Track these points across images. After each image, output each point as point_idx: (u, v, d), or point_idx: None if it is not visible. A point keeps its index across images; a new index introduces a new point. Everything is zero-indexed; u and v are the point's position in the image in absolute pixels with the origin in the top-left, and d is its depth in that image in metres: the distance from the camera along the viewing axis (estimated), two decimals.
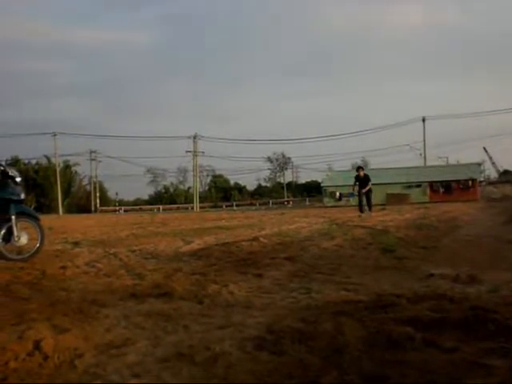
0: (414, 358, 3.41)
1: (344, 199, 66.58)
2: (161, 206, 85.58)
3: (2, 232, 8.89)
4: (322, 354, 3.50)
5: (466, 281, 6.32)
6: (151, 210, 76.39)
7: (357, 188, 25.73)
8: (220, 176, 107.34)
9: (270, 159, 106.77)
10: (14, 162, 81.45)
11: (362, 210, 23.98)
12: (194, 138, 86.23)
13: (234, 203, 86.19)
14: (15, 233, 8.88)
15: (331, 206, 57.94)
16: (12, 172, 9.23)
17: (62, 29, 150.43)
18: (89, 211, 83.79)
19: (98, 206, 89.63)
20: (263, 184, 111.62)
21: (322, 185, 74.14)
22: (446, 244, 10.91)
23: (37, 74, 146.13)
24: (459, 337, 3.81)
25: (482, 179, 77.75)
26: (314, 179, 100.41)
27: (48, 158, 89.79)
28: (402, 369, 3.24)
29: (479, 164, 75.97)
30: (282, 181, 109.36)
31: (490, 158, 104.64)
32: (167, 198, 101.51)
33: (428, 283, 6.32)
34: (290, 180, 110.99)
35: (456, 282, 6.28)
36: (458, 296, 5.13)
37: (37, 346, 3.68)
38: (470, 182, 65.70)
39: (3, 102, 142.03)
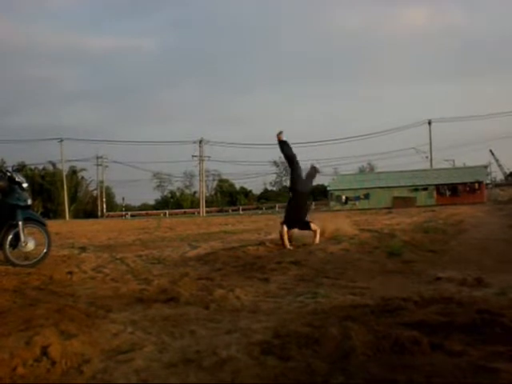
0: (421, 362, 3.40)
1: (350, 203, 66.53)
2: (167, 211, 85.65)
3: (9, 238, 8.92)
4: (328, 359, 3.50)
5: (473, 284, 6.31)
6: (158, 214, 76.42)
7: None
8: (226, 180, 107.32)
9: (276, 163, 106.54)
10: (21, 168, 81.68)
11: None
12: (200, 142, 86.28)
13: (240, 207, 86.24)
14: (22, 238, 8.91)
15: (337, 210, 57.77)
16: (19, 178, 9.26)
17: (70, 35, 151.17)
18: (95, 216, 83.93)
19: (104, 211, 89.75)
20: (269, 188, 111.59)
21: (327, 188, 74.04)
22: (452, 247, 10.88)
23: (44, 79, 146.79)
24: (466, 340, 3.80)
25: (488, 182, 77.61)
26: (319, 183, 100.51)
27: (53, 164, 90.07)
28: (409, 373, 3.23)
29: (486, 166, 75.85)
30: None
31: (497, 160, 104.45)
32: (173, 202, 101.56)
33: (435, 287, 6.31)
34: None
35: (463, 286, 6.26)
36: (466, 299, 5.11)
37: (44, 351, 3.70)
38: (477, 185, 65.56)
39: (11, 108, 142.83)
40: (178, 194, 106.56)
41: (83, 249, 12.66)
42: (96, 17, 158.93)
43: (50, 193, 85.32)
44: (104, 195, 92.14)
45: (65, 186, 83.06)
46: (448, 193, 65.96)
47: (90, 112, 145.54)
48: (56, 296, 6.40)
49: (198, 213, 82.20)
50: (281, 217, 12.30)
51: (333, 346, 3.70)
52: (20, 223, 8.92)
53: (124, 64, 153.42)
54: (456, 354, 3.53)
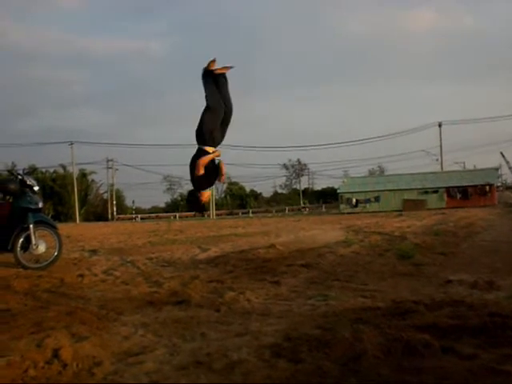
0: (432, 364, 3.40)
1: (360, 205, 66.37)
2: (177, 214, 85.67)
3: (21, 240, 8.95)
4: (339, 361, 3.50)
5: (485, 287, 6.28)
6: (168, 217, 76.38)
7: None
8: (236, 183, 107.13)
9: (285, 166, 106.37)
10: (32, 171, 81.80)
11: None
12: None
13: (250, 210, 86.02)
14: (33, 241, 8.94)
15: (347, 213, 57.68)
16: (30, 181, 9.30)
17: (79, 38, 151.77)
18: (106, 219, 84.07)
19: (114, 214, 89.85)
20: (279, 191, 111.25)
21: (338, 191, 73.78)
22: (463, 250, 10.85)
23: (54, 83, 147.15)
24: (477, 343, 3.79)
25: (499, 184, 77.18)
26: (330, 186, 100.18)
27: (64, 167, 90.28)
28: (420, 376, 3.23)
29: (496, 169, 75.19)
30: (298, 187, 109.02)
31: (507, 162, 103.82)
32: (183, 205, 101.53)
33: (446, 289, 6.29)
34: (306, 186, 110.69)
35: (474, 289, 6.24)
36: (477, 302, 5.10)
37: (55, 354, 3.71)
38: (487, 188, 65.11)
39: (21, 111, 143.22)
40: None
41: (94, 252, 12.69)
42: (104, 20, 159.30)
43: (60, 196, 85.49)
44: (114, 198, 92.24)
45: (75, 189, 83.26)
46: (458, 195, 65.54)
47: (100, 115, 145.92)
48: (67, 299, 6.42)
49: (208, 215, 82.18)
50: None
51: (344, 348, 3.70)
52: (31, 226, 8.95)
53: (134, 66, 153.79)
54: (467, 356, 3.52)
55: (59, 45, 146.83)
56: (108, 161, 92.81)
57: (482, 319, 4.26)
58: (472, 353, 3.58)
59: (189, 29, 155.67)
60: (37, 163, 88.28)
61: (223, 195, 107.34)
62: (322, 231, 18.84)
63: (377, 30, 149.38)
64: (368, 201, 67.50)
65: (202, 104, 6.88)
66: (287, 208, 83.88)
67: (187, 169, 6.86)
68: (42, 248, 9.06)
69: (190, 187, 7.23)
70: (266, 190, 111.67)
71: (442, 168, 79.43)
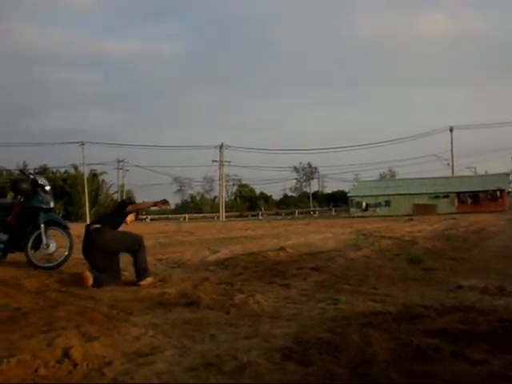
0: (442, 369, 3.39)
1: (370, 209, 66.19)
2: (187, 215, 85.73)
3: (32, 240, 8.97)
4: (349, 365, 3.49)
5: (495, 292, 6.27)
6: (177, 218, 76.43)
7: None
8: (246, 185, 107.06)
9: (296, 169, 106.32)
10: (43, 171, 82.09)
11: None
12: (221, 147, 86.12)
13: (260, 213, 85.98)
14: (44, 241, 8.96)
15: (358, 217, 57.56)
16: (41, 181, 9.32)
17: (90, 40, 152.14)
18: None
19: None
20: (289, 194, 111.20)
21: (348, 195, 73.65)
22: (474, 255, 10.81)
23: (66, 84, 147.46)
24: (488, 349, 3.78)
25: (510, 190, 76.77)
26: (340, 189, 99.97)
27: (75, 167, 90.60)
28: (430, 380, 3.22)
29: (507, 174, 74.78)
30: (308, 190, 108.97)
31: None
32: (193, 207, 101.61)
33: (456, 295, 6.28)
34: (317, 190, 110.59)
35: (484, 294, 6.23)
36: (487, 308, 5.08)
37: (66, 353, 3.73)
38: (498, 193, 64.81)
39: (32, 112, 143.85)
40: (198, 198, 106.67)
41: None
42: (115, 22, 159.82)
43: (71, 196, 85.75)
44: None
45: (86, 189, 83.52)
46: (469, 200, 65.27)
47: (111, 116, 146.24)
48: (77, 298, 6.45)
49: (218, 217, 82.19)
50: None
51: (354, 352, 3.69)
52: (42, 226, 8.97)
53: (145, 69, 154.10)
54: (477, 362, 3.51)
55: (72, 46, 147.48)
56: (119, 161, 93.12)
57: (493, 325, 4.25)
58: (482, 358, 3.57)
59: (201, 31, 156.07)
60: (48, 163, 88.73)
61: (233, 197, 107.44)
62: (331, 234, 18.84)
63: (389, 34, 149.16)
64: (378, 205, 67.32)
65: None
66: (297, 211, 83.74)
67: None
68: (52, 248, 9.08)
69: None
70: (276, 193, 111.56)
71: (452, 173, 79.20)
